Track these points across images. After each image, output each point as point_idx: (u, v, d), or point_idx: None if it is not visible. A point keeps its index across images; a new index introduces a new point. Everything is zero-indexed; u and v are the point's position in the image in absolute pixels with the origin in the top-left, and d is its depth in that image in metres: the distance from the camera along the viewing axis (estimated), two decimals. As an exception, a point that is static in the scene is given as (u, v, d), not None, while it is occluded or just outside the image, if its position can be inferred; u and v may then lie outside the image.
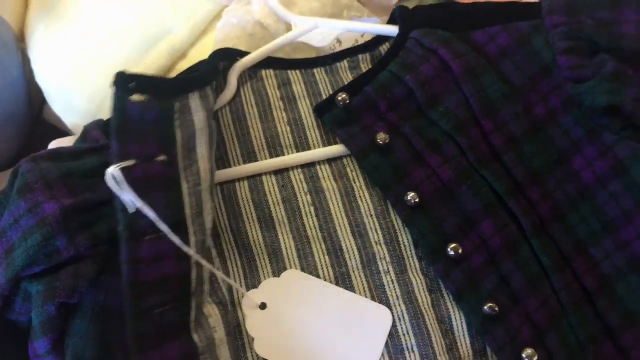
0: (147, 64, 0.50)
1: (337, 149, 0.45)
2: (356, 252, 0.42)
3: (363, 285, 0.41)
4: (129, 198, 0.36)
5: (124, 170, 0.37)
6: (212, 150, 0.42)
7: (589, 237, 0.42)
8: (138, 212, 0.37)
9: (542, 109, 0.44)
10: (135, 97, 0.39)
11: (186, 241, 0.38)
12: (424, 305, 0.41)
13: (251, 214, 0.43)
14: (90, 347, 0.37)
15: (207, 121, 0.41)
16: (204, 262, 0.38)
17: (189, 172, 0.40)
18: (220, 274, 0.39)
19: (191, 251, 0.38)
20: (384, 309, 0.40)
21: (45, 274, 0.37)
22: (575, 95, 0.42)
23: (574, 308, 0.40)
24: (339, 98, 0.44)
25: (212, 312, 0.39)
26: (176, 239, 0.37)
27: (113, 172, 0.36)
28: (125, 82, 0.39)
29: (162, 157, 0.39)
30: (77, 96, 0.52)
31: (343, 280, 0.41)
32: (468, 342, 0.40)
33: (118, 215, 0.37)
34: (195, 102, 0.41)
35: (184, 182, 0.39)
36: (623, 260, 0.41)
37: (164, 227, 0.36)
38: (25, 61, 0.55)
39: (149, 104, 0.39)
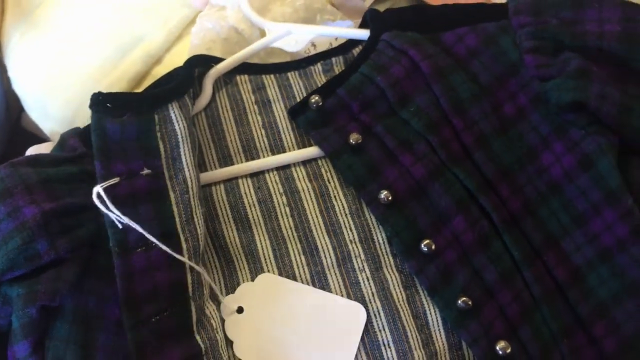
0: (123, 70, 0.51)
1: (312, 151, 0.45)
2: (331, 251, 0.42)
3: (338, 283, 0.42)
4: (115, 216, 0.37)
5: (108, 188, 0.38)
6: (195, 157, 0.43)
7: (559, 231, 0.43)
8: (127, 227, 0.38)
9: (510, 107, 0.45)
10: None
11: (178, 248, 0.39)
12: (399, 301, 0.41)
13: (227, 215, 0.44)
14: (71, 350, 0.38)
15: (189, 129, 0.43)
16: (195, 266, 0.39)
17: (175, 181, 0.41)
18: (207, 279, 0.40)
19: (182, 257, 0.38)
20: (358, 306, 0.41)
21: (26, 277, 0.38)
22: (542, 92, 0.44)
23: (546, 300, 0.41)
24: (312, 100, 0.45)
25: (213, 314, 0.40)
26: (165, 248, 0.38)
27: (98, 190, 0.37)
28: (101, 103, 0.41)
29: (146, 171, 0.41)
30: (53, 103, 0.52)
31: (319, 278, 0.42)
32: (443, 336, 0.41)
33: (109, 232, 0.38)
34: (175, 111, 0.42)
35: (171, 192, 0.41)
36: (592, 252, 0.42)
37: (153, 239, 0.38)
38: (2, 69, 0.55)
39: (128, 121, 0.41)
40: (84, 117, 0.51)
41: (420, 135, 0.43)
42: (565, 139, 0.43)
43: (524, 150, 0.44)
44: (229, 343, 0.40)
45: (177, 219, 0.40)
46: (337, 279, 0.42)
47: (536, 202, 0.43)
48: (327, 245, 0.42)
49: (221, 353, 0.39)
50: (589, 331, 0.41)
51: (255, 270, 0.42)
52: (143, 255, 0.38)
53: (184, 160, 0.42)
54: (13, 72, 0.54)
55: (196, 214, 0.41)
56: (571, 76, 0.42)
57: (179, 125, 0.42)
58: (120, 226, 0.38)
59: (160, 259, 0.38)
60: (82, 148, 0.43)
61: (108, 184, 0.38)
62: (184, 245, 0.39)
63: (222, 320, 0.40)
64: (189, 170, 0.41)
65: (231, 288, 0.42)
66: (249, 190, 0.44)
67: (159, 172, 0.41)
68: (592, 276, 0.42)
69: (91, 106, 0.42)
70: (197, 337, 0.38)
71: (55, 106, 0.52)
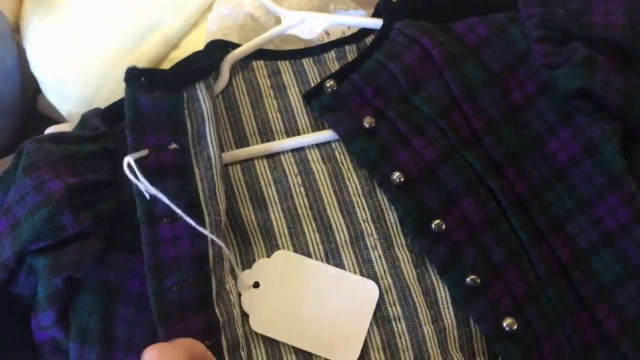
0: (141, 53, 0.52)
1: (326, 134, 0.47)
2: (345, 229, 0.44)
3: (352, 260, 0.43)
4: (144, 186, 0.38)
5: (138, 160, 0.39)
6: (218, 136, 0.44)
7: (564, 215, 0.44)
8: (154, 198, 0.39)
9: (518, 94, 0.46)
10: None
11: (201, 221, 0.40)
12: (409, 279, 0.43)
13: (244, 194, 0.45)
14: (94, 320, 0.39)
15: (214, 109, 0.44)
16: (216, 240, 0.40)
17: (200, 157, 0.42)
18: (227, 252, 0.41)
19: (204, 230, 0.40)
20: (370, 283, 0.42)
21: (51, 249, 0.39)
22: (549, 80, 0.45)
23: (550, 281, 0.42)
24: (327, 85, 0.46)
25: (232, 289, 0.41)
26: (191, 220, 0.39)
27: (128, 161, 0.38)
28: (135, 77, 0.43)
29: (174, 146, 0.42)
30: (72, 85, 0.53)
31: (332, 255, 0.43)
32: (452, 313, 0.42)
33: (137, 202, 0.40)
34: (202, 91, 0.44)
35: (196, 168, 0.42)
36: (596, 236, 0.43)
37: (178, 210, 0.39)
38: (20, 52, 0.56)
39: (159, 96, 0.43)
40: (102, 99, 0.52)
41: (431, 120, 0.45)
42: (571, 126, 0.45)
43: (530, 136, 0.45)
44: (245, 317, 0.42)
45: (200, 194, 0.41)
46: (351, 257, 0.43)
47: (542, 187, 0.45)
48: (340, 224, 0.44)
49: (237, 328, 0.40)
50: (592, 312, 0.43)
51: (271, 247, 0.44)
52: (168, 226, 0.40)
53: (209, 138, 0.43)
54: (32, 55, 0.55)
55: (218, 190, 0.42)
56: (578, 64, 0.44)
57: (205, 104, 0.44)
58: (147, 197, 0.39)
59: (184, 230, 0.40)
60: (103, 127, 0.45)
61: (138, 156, 0.40)
62: (207, 219, 0.40)
63: (239, 296, 0.42)
64: (213, 148, 0.43)
65: (247, 264, 0.44)
66: (265, 170, 0.46)
67: (185, 148, 0.42)
68: (595, 259, 0.43)
69: (125, 80, 0.43)
70: (217, 309, 0.39)
71: (74, 88, 0.53)
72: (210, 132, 0.43)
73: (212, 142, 0.43)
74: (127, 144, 0.42)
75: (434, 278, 0.43)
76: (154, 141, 0.41)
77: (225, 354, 0.38)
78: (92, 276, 0.40)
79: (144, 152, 0.40)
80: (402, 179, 0.43)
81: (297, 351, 0.41)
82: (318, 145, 0.47)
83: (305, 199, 0.45)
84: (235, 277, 0.42)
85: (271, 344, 0.41)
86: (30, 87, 0.59)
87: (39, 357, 0.41)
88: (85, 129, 0.45)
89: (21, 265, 0.39)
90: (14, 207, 0.40)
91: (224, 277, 0.41)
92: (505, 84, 0.46)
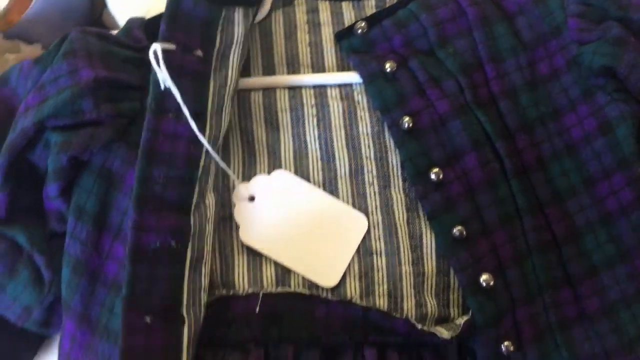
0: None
1: (349, 76, 0.48)
2: (346, 162, 0.45)
3: (347, 191, 0.45)
4: (162, 76, 0.41)
5: (164, 51, 0.42)
6: (240, 63, 0.46)
7: (567, 190, 0.44)
8: (167, 91, 0.42)
9: (546, 66, 0.46)
10: None
11: (202, 131, 0.42)
12: (399, 219, 0.44)
13: (260, 115, 0.47)
14: (91, 202, 0.43)
15: (245, 37, 0.46)
16: (211, 151, 0.42)
17: (218, 74, 0.45)
18: (223, 164, 0.43)
19: (203, 139, 0.42)
20: (361, 216, 0.44)
21: (66, 129, 0.43)
22: (577, 55, 0.45)
23: (539, 251, 0.43)
24: (358, 26, 0.48)
25: (211, 203, 0.43)
26: (194, 124, 0.41)
27: (155, 48, 0.41)
28: None
29: (199, 53, 0.44)
30: (133, 1, 0.57)
31: (330, 183, 0.45)
32: (434, 260, 0.43)
33: (150, 88, 0.42)
34: (239, 16, 0.46)
35: (212, 81, 0.44)
36: (595, 215, 0.43)
37: (186, 110, 0.41)
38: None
39: (200, 2, 0.45)
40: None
41: (451, 75, 0.46)
42: (591, 103, 0.44)
43: (550, 109, 0.45)
44: (220, 234, 0.44)
45: (209, 106, 0.43)
46: (347, 188, 0.45)
47: (550, 159, 0.45)
48: (344, 156, 0.46)
49: (205, 243, 0.42)
50: (575, 289, 0.43)
51: (274, 166, 0.46)
52: (172, 121, 0.42)
53: (231, 60, 0.45)
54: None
55: (225, 110, 0.44)
56: (608, 42, 0.43)
57: (238, 29, 0.46)
58: (162, 87, 0.42)
59: (185, 132, 0.42)
60: (145, 41, 0.47)
61: (166, 47, 0.42)
62: (207, 131, 0.43)
63: (216, 213, 0.43)
64: (232, 71, 0.45)
65: (247, 178, 0.46)
66: (284, 97, 0.48)
67: (208, 59, 0.44)
68: (590, 238, 0.43)
69: None
70: (191, 218, 0.41)
71: (135, 5, 0.57)
72: (234, 56, 0.45)
73: (233, 66, 0.45)
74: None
75: (423, 224, 0.44)
76: (183, 40, 0.43)
77: (187, 263, 0.40)
78: (96, 160, 0.43)
79: (171, 46, 0.42)
80: (410, 125, 0.44)
81: (277, 266, 0.43)
82: (339, 85, 0.48)
83: (315, 129, 0.46)
84: (217, 195, 0.44)
85: (253, 256, 0.43)
86: (98, 1, 0.64)
87: (48, 223, 0.44)
88: (128, 38, 0.48)
89: (40, 137, 0.43)
90: (47, 86, 0.43)
91: (207, 192, 0.43)
92: (533, 54, 0.46)
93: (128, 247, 0.39)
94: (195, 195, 0.42)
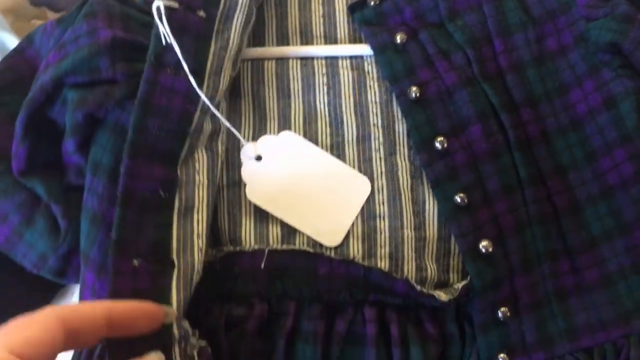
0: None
1: (361, 48, 0.50)
2: (354, 128, 0.47)
3: (353, 156, 0.46)
4: (164, 31, 0.43)
5: (167, 8, 0.43)
6: (244, 30, 0.47)
7: (569, 164, 0.45)
8: (168, 47, 0.43)
9: (554, 41, 0.47)
10: None
11: (200, 89, 0.44)
12: (403, 185, 0.45)
13: (272, 82, 0.49)
14: (107, 157, 0.44)
15: (249, 4, 0.47)
16: (212, 107, 0.43)
17: (220, 36, 0.46)
18: (225, 122, 0.45)
19: (203, 95, 0.43)
20: (364, 179, 0.45)
21: (83, 87, 0.44)
22: (585, 31, 0.46)
23: (539, 221, 0.44)
24: (372, -1, 0.49)
25: (201, 158, 0.44)
26: (192, 80, 0.43)
27: (158, 4, 0.43)
28: None
29: (202, 13, 0.45)
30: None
31: (337, 147, 0.46)
32: (435, 226, 0.45)
33: (151, 44, 0.44)
34: None
35: (213, 42, 0.45)
36: (597, 189, 0.44)
37: (185, 66, 0.43)
38: None
39: None
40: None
41: (460, 48, 0.47)
42: (596, 78, 0.45)
43: (556, 84, 0.46)
44: (239, 192, 0.46)
45: (208, 66, 0.44)
46: (353, 153, 0.46)
47: (554, 133, 0.45)
48: (352, 123, 0.47)
49: (195, 193, 0.43)
50: (574, 260, 0.44)
51: (284, 129, 0.47)
52: (171, 76, 0.43)
53: (234, 23, 0.46)
54: None
55: (224, 72, 0.45)
56: (616, 18, 0.44)
57: None
58: (163, 42, 0.43)
59: (182, 87, 0.43)
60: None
61: (169, 4, 0.43)
62: (204, 90, 0.44)
63: (209, 167, 0.44)
64: (234, 34, 0.46)
65: (257, 140, 0.47)
66: (296, 67, 0.49)
67: (211, 20, 0.45)
68: (590, 211, 0.44)
69: None
70: (179, 171, 0.42)
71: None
72: (238, 20, 0.46)
73: (236, 29, 0.46)
74: None
75: (426, 191, 0.45)
76: (187, 0, 0.45)
77: (175, 211, 0.41)
78: (110, 117, 0.44)
79: (174, 4, 0.44)
80: (418, 94, 0.45)
81: (283, 225, 0.45)
82: (351, 57, 0.50)
83: (325, 96, 0.48)
84: (210, 151, 0.45)
85: (260, 216, 0.45)
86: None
87: (66, 177, 0.46)
88: (147, 4, 0.49)
89: (59, 94, 0.45)
90: (67, 45, 0.45)
91: (197, 148, 0.44)
92: (542, 29, 0.47)
93: (119, 192, 0.41)
94: (185, 150, 0.43)
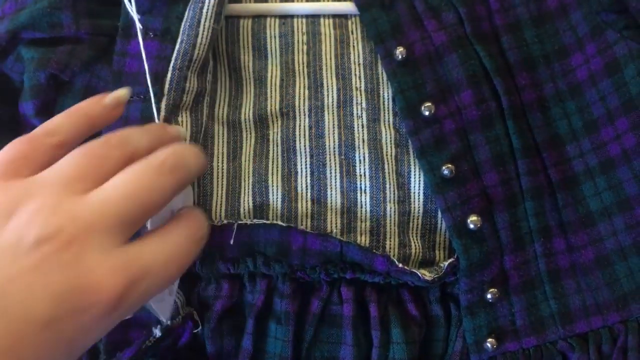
0: None
1: (345, 5, 0.46)
2: (334, 92, 0.43)
3: (332, 121, 0.42)
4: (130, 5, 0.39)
5: None
6: None
7: (567, 134, 0.41)
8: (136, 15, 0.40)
9: (554, 0, 0.43)
10: None
11: (171, 47, 0.41)
12: (387, 155, 0.42)
13: (247, 41, 0.45)
14: None
15: None
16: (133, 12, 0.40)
17: None
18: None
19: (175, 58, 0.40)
20: None
21: (43, 44, 0.41)
22: (588, -12, 0.42)
23: (533, 195, 0.40)
24: (356, -48, 0.45)
25: (186, 123, 0.41)
26: (141, 39, 0.40)
27: None
28: None
29: None
30: None
31: (315, 113, 0.43)
32: (421, 200, 0.41)
33: (121, 14, 0.41)
34: None
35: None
36: (595, 160, 0.41)
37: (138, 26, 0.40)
38: None
39: None
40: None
41: (451, 6, 0.43)
42: (599, 41, 0.41)
43: (555, 46, 0.43)
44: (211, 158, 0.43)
45: (182, 22, 0.41)
46: (333, 118, 0.43)
47: (552, 100, 0.42)
48: (332, 86, 0.43)
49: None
50: (569, 238, 0.40)
51: (260, 94, 0.44)
52: (138, 42, 0.40)
53: None
54: None
55: (204, 24, 0.42)
56: (622, -26, 0.40)
57: None
58: (129, 9, 0.40)
59: (152, 50, 0.40)
60: None
61: None
62: (177, 46, 0.41)
63: (193, 134, 0.42)
64: None
65: (234, 106, 0.44)
66: (274, 24, 0.45)
67: None
68: (588, 185, 0.41)
69: None
70: None
71: None
72: None
73: None
74: None
75: (412, 161, 0.42)
76: None
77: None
78: (79, 82, 0.41)
79: None
80: (404, 55, 0.42)
81: (255, 197, 0.41)
82: (334, 16, 0.46)
83: (304, 56, 0.44)
84: (194, 115, 0.42)
85: (233, 186, 0.42)
86: None
87: None
88: None
89: (13, 48, 0.41)
90: None
91: (181, 110, 0.41)
92: (541, -13, 0.43)
93: None
94: (163, 111, 0.40)
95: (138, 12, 0.41)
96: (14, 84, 0.42)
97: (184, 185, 0.33)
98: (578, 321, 0.40)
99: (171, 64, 0.40)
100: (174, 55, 0.40)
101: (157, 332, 0.38)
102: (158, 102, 0.40)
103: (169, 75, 0.40)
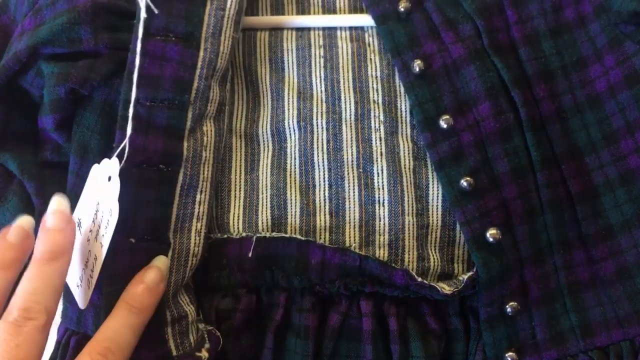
0: None
1: (361, 18, 0.46)
2: (352, 105, 0.43)
3: (351, 135, 0.42)
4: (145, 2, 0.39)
5: None
6: None
7: (586, 146, 0.41)
8: (154, 15, 0.40)
9: (572, 11, 0.43)
10: None
11: (195, 54, 0.40)
12: (405, 168, 0.42)
13: (264, 53, 0.45)
14: (95, 139, 0.41)
15: None
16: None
17: None
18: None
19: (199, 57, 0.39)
20: None
21: (63, 59, 0.41)
22: (606, 0, 0.42)
23: (552, 208, 0.40)
24: (372, -35, 0.45)
25: (209, 132, 0.41)
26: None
27: None
28: None
29: None
30: None
31: (333, 127, 0.43)
32: (439, 213, 0.41)
33: (136, 12, 0.40)
34: None
35: (209, 2, 0.42)
36: (615, 173, 0.40)
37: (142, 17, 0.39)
38: None
39: None
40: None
41: (469, 18, 0.43)
42: (618, 52, 0.41)
43: (574, 57, 0.42)
44: (228, 171, 0.43)
45: (204, 28, 0.41)
46: (351, 132, 0.42)
47: (571, 112, 0.42)
48: (350, 99, 0.43)
49: (200, 171, 0.40)
50: (590, 251, 0.40)
51: (277, 108, 0.44)
52: (160, 44, 0.40)
53: None
54: None
55: (225, 33, 0.42)
56: (640, -14, 0.40)
57: None
58: (146, 13, 0.39)
59: (174, 53, 0.40)
60: None
61: None
62: (201, 54, 0.40)
63: (215, 143, 0.41)
64: None
65: (251, 120, 0.44)
66: (291, 37, 0.45)
67: None
68: (608, 197, 0.40)
69: None
70: (185, 144, 0.39)
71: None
72: None
73: None
74: None
75: (430, 174, 0.42)
76: None
77: (178, 188, 0.39)
78: (97, 96, 0.41)
79: None
80: (422, 68, 0.42)
81: (273, 210, 0.41)
82: (350, 28, 0.46)
83: (322, 70, 0.44)
84: (217, 126, 0.42)
85: (250, 199, 0.42)
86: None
87: (41, 153, 0.43)
88: None
89: (33, 64, 0.41)
90: (43, 10, 0.41)
91: (205, 119, 0.41)
92: (559, -1, 0.43)
93: None
94: (189, 120, 0.40)
95: (155, 8, 0.40)
96: (33, 99, 0.43)
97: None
98: (599, 334, 0.39)
99: (197, 72, 0.40)
100: (199, 63, 0.40)
101: None
102: (184, 116, 0.40)
103: (195, 83, 0.40)
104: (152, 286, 0.36)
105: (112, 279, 0.37)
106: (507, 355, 0.39)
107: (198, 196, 0.40)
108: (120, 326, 0.34)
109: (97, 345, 0.33)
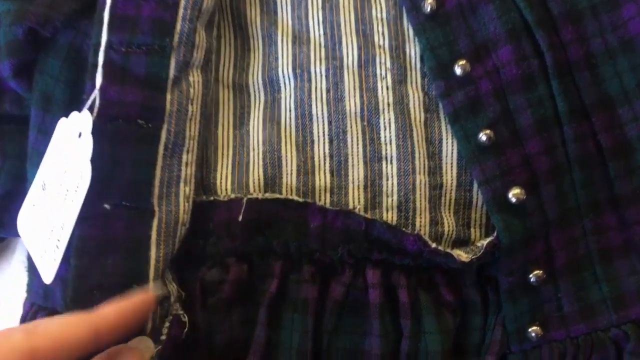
0: None
1: (364, -47, 0.41)
2: (355, 50, 0.38)
3: (353, 83, 0.38)
4: None
5: None
6: None
7: (619, 95, 0.37)
8: None
9: (602, -56, 0.38)
10: None
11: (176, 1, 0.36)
12: (415, 121, 0.37)
13: None
14: (60, 89, 0.37)
15: None
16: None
17: None
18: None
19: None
20: None
21: None
22: None
23: (581, 164, 0.36)
24: None
25: (196, 83, 0.37)
26: None
27: None
28: None
29: None
30: None
31: (334, 73, 0.38)
32: (454, 171, 0.37)
33: None
34: None
35: None
36: None
37: None
38: None
39: None
40: None
41: (487, -50, 0.38)
42: (656, -12, 0.37)
43: None
44: (215, 126, 0.39)
45: None
46: (354, 80, 0.38)
47: (602, 57, 0.37)
48: (352, 43, 0.39)
49: (187, 127, 0.36)
50: (622, 213, 0.37)
51: (269, 53, 0.39)
52: None
53: None
54: None
55: None
56: None
57: None
58: None
59: None
60: None
61: None
62: (182, 2, 0.36)
63: (202, 95, 0.37)
64: None
65: (240, 68, 0.40)
66: None
67: None
68: None
69: None
70: (168, 96, 0.35)
71: None
72: None
73: None
74: None
75: (443, 128, 0.38)
76: None
77: (161, 146, 0.35)
78: (62, 40, 0.37)
79: None
80: (433, 8, 0.37)
81: (266, 168, 0.37)
82: (352, -34, 0.41)
83: (319, 11, 0.40)
84: (204, 76, 0.38)
85: (240, 156, 0.38)
86: None
87: None
88: None
89: None
90: None
91: (191, 68, 0.37)
92: None
93: None
94: (172, 69, 0.35)
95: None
96: None
97: None
98: (633, 306, 0.36)
99: (180, 13, 0.36)
100: (182, 2, 0.36)
101: None
102: (166, 63, 0.35)
103: (178, 26, 0.36)
104: None
105: (81, 251, 0.33)
106: (530, 329, 0.36)
107: (184, 156, 0.36)
108: None
109: None
